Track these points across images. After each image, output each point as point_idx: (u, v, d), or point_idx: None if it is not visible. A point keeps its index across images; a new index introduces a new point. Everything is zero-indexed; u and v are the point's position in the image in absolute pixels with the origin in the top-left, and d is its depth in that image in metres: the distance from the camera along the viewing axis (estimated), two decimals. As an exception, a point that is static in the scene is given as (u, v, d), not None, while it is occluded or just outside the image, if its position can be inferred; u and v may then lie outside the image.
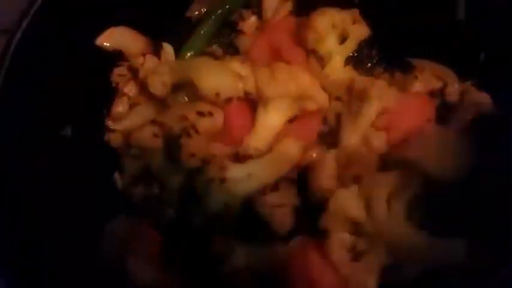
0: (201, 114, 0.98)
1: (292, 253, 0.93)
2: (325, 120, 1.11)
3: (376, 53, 1.27)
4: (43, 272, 0.88)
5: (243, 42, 1.25)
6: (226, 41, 1.28)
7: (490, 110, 1.13)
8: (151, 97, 1.11)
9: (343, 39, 1.18)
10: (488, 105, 1.13)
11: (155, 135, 0.97)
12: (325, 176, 0.98)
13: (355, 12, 1.18)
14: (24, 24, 0.88)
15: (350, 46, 1.17)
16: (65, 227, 0.95)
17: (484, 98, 1.14)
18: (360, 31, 1.17)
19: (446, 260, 0.86)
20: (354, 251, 0.88)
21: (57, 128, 1.02)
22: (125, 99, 1.10)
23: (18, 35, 0.88)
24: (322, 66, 1.15)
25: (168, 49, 1.19)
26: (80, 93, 1.05)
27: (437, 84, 1.18)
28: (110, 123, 1.10)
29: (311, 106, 1.05)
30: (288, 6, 1.25)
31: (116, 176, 1.07)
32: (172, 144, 0.95)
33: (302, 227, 1.01)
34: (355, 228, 0.90)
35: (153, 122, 1.00)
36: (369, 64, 1.26)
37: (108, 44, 1.09)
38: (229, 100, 1.04)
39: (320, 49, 1.15)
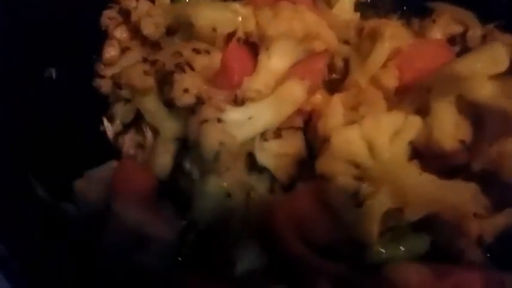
0: (196, 51, 0.90)
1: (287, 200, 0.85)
2: (332, 65, 1.03)
3: (390, -1, 1.19)
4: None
5: (246, -14, 1.16)
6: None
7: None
8: (144, 41, 1.04)
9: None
10: (514, 48, 1.04)
11: (146, 73, 0.89)
12: (332, 121, 0.89)
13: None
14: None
15: (360, -15, 1.08)
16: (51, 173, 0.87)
17: (509, 41, 1.04)
18: (370, -31, 1.07)
19: (452, 202, 0.78)
20: (357, 196, 0.79)
21: (40, 69, 0.94)
22: (115, 42, 1.02)
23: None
24: (330, 7, 1.06)
25: (163, -7, 1.11)
26: (66, 34, 0.97)
27: (458, 29, 1.09)
28: (101, 67, 1.02)
29: (318, 46, 0.95)
30: None
31: (106, 123, 1.00)
32: (164, 81, 0.86)
33: (306, 178, 0.92)
34: (358, 172, 0.82)
35: (145, 60, 0.92)
36: (384, 10, 1.17)
37: (97, -18, 1.01)
38: (228, 39, 0.95)
39: (328, -11, 1.07)
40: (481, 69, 0.80)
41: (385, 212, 0.81)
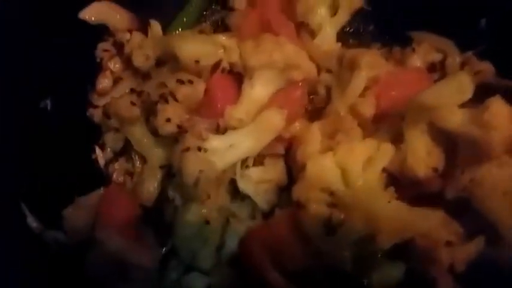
0: (180, 81, 0.95)
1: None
2: (315, 93, 1.07)
3: (373, 28, 1.23)
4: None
5: (233, 18, 1.22)
6: (216, 19, 1.25)
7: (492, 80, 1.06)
8: (135, 72, 1.09)
9: (334, 12, 1.14)
10: (491, 74, 1.07)
11: (132, 103, 0.94)
12: (309, 148, 0.92)
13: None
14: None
15: (342, 17, 1.13)
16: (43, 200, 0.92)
17: (486, 68, 1.07)
18: (351, 1, 1.12)
19: (421, 229, 0.81)
20: (330, 223, 0.82)
21: (37, 100, 1.00)
22: (109, 73, 1.08)
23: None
24: (313, 38, 1.11)
25: (155, 26, 1.17)
26: (62, 66, 1.03)
27: (437, 57, 1.13)
28: (94, 97, 1.08)
29: (297, 75, 1.00)
30: (279, -19, 1.21)
31: (97, 151, 1.05)
32: (150, 111, 0.92)
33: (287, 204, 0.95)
34: (331, 199, 0.84)
35: (132, 91, 0.98)
36: (365, 39, 1.21)
37: (91, 18, 1.08)
38: (212, 70, 1.00)
39: (310, 21, 1.12)
40: (448, 98, 0.83)
41: (359, 239, 0.83)
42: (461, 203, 0.88)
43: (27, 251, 0.85)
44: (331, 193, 0.85)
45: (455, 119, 0.86)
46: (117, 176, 1.02)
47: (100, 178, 1.03)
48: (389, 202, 0.82)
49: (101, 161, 1.05)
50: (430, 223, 0.81)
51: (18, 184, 0.90)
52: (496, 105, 0.82)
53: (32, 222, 0.87)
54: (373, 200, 0.83)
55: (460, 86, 0.83)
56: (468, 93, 0.83)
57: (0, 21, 0.91)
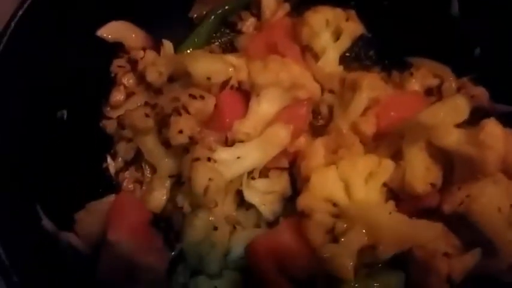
0: (192, 96, 1.00)
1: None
2: (318, 111, 1.13)
3: (373, 53, 1.30)
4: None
5: (241, 41, 1.29)
6: (225, 40, 1.32)
7: (487, 104, 1.12)
8: (148, 87, 1.15)
9: (337, 37, 1.21)
10: (485, 99, 1.13)
11: (147, 115, 0.99)
12: (313, 162, 0.97)
13: (350, 11, 1.22)
14: (26, 5, 0.93)
15: (344, 42, 1.20)
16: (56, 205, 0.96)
17: (481, 92, 1.13)
18: (353, 27, 1.19)
19: (419, 240, 0.84)
20: (333, 232, 0.85)
21: (54, 111, 1.05)
22: (122, 88, 1.14)
23: (19, 15, 0.93)
24: (316, 61, 1.17)
25: (167, 45, 1.24)
26: (78, 80, 1.08)
27: (434, 82, 1.19)
28: (107, 110, 1.13)
29: (303, 95, 1.06)
30: (286, 7, 1.29)
31: (109, 160, 1.09)
32: (163, 123, 0.96)
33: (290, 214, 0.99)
34: (334, 209, 0.88)
35: (146, 103, 1.03)
36: (366, 64, 1.28)
37: (108, 36, 1.14)
38: (222, 87, 1.06)
39: (314, 45, 1.18)
40: (444, 118, 0.89)
41: (361, 249, 0.86)
42: (458, 218, 0.92)
43: (41, 252, 0.88)
44: (335, 204, 0.89)
45: (452, 138, 0.91)
46: (127, 184, 1.06)
47: (110, 186, 1.07)
48: (390, 214, 0.86)
49: (112, 170, 1.09)
50: (429, 235, 0.84)
51: (34, 188, 0.93)
52: (491, 125, 0.88)
53: (47, 224, 0.90)
54: (375, 212, 0.86)
55: (456, 106, 0.89)
56: (464, 114, 0.89)
57: (22, 37, 0.96)
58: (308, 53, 1.19)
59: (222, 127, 1.03)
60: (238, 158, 0.97)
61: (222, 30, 1.33)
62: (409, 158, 0.95)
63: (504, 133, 0.89)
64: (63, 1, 1.03)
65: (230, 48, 1.30)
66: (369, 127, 1.01)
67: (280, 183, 1.04)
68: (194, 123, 0.97)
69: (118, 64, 1.17)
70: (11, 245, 0.82)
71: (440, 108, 0.90)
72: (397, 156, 0.99)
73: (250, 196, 1.00)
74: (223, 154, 0.96)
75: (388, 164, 0.93)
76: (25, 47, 0.98)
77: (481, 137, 0.87)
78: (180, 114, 0.95)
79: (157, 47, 1.23)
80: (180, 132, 0.94)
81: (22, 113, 0.97)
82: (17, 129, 0.94)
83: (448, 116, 0.88)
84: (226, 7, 1.29)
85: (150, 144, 1.03)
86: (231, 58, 1.11)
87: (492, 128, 0.88)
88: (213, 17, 1.28)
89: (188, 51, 1.24)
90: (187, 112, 0.97)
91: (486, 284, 0.88)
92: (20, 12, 0.95)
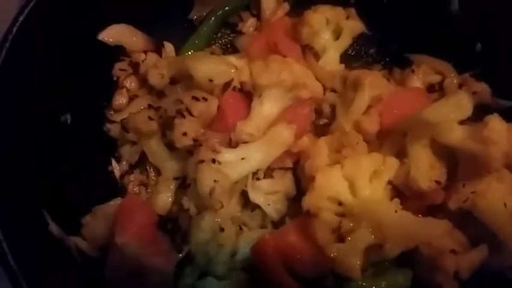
0: (195, 98, 1.00)
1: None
2: (320, 110, 1.13)
3: (374, 51, 1.30)
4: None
5: (242, 41, 1.29)
6: (226, 41, 1.32)
7: (489, 100, 1.12)
8: (150, 90, 1.15)
9: (338, 36, 1.21)
10: (488, 95, 1.13)
11: (150, 118, 0.99)
12: (317, 161, 0.97)
13: (350, 9, 1.22)
14: (27, 10, 0.94)
15: (344, 40, 1.20)
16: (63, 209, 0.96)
17: (483, 89, 1.13)
18: (353, 26, 1.19)
19: (426, 238, 0.85)
20: (339, 231, 0.86)
21: (58, 115, 1.05)
22: (124, 91, 1.14)
23: (21, 19, 0.93)
24: (317, 60, 1.17)
25: (169, 47, 1.24)
26: (81, 84, 1.08)
27: (436, 78, 1.19)
28: (110, 114, 1.14)
29: (304, 94, 1.06)
30: (286, 8, 1.29)
31: (114, 163, 1.09)
32: (167, 125, 0.97)
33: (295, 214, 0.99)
34: (340, 209, 0.88)
35: (149, 106, 1.03)
36: (367, 61, 1.28)
37: (109, 39, 1.14)
38: (224, 88, 1.06)
39: (315, 44, 1.18)
40: (448, 116, 0.89)
41: (368, 248, 0.86)
42: (464, 214, 0.92)
43: (48, 256, 0.88)
44: (340, 203, 0.89)
45: (456, 134, 0.91)
46: (132, 187, 1.06)
47: (116, 189, 1.07)
48: (395, 212, 0.86)
49: (117, 173, 1.09)
50: (435, 232, 0.85)
51: (40, 193, 0.93)
52: (495, 121, 0.88)
53: (54, 229, 0.90)
54: (380, 210, 0.86)
55: (459, 103, 0.89)
56: (467, 111, 0.89)
57: (24, 42, 0.96)
58: (309, 52, 1.19)
59: (225, 128, 1.03)
60: (242, 159, 0.97)
61: (223, 31, 1.33)
62: (413, 156, 0.95)
63: (508, 129, 0.90)
64: (64, 5, 1.03)
65: (231, 49, 1.30)
66: (371, 125, 1.01)
67: (284, 183, 1.04)
68: (198, 125, 0.97)
69: (120, 67, 1.17)
70: (18, 250, 0.82)
71: (443, 106, 0.90)
72: (401, 153, 0.99)
73: (255, 197, 1.00)
74: (228, 155, 0.97)
75: (393, 162, 0.94)
76: (26, 53, 0.98)
77: (485, 133, 0.87)
78: (183, 116, 0.96)
79: (158, 50, 1.23)
80: (184, 134, 0.94)
81: (25, 117, 0.96)
82: (20, 133, 0.94)
83: (451, 113, 0.89)
84: (226, 8, 1.29)
85: (154, 146, 1.03)
86: (232, 59, 1.11)
87: (496, 123, 0.88)
88: (213, 18, 1.28)
89: (189, 53, 1.24)
90: (191, 114, 0.97)
91: (492, 281, 0.88)
92: (21, 18, 0.95)
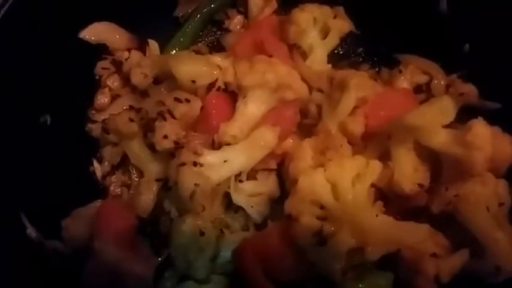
0: (178, 100, 0.98)
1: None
2: (306, 110, 1.12)
3: (362, 50, 1.28)
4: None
5: (228, 40, 1.27)
6: (212, 39, 1.30)
7: (476, 102, 1.11)
8: (133, 89, 1.13)
9: (325, 35, 1.19)
10: (475, 96, 1.12)
11: (131, 120, 0.98)
12: (301, 164, 0.96)
13: (338, 8, 1.20)
14: (5, 8, 0.91)
15: (332, 39, 1.18)
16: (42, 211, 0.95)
17: (470, 90, 1.12)
18: (341, 25, 1.18)
19: (407, 242, 0.84)
20: (321, 235, 0.85)
21: (37, 116, 1.03)
22: (107, 90, 1.12)
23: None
24: (304, 59, 1.16)
25: (153, 45, 1.22)
26: (62, 83, 1.06)
27: (423, 79, 1.18)
28: (92, 113, 1.12)
29: (289, 95, 1.04)
30: (273, 5, 1.27)
31: (95, 164, 1.08)
32: (148, 127, 0.95)
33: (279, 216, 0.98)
34: (322, 212, 0.88)
35: (131, 107, 1.02)
36: (355, 61, 1.27)
37: (91, 38, 1.12)
38: (208, 89, 1.05)
39: (302, 43, 1.16)
40: (431, 120, 0.88)
41: (349, 251, 0.86)
42: (447, 217, 0.92)
43: (26, 261, 0.87)
44: (322, 207, 0.88)
45: (439, 138, 0.90)
46: (114, 188, 1.05)
47: (97, 190, 1.06)
48: (377, 216, 0.85)
49: (99, 174, 1.08)
50: (416, 236, 0.84)
51: (18, 196, 0.92)
52: (479, 126, 0.87)
53: (32, 232, 0.89)
54: (362, 214, 0.86)
55: (442, 108, 0.88)
56: (450, 116, 0.88)
57: (2, 39, 0.94)
58: (296, 51, 1.17)
59: (208, 129, 1.02)
60: (225, 161, 0.96)
61: (209, 28, 1.31)
62: (397, 159, 0.94)
63: (492, 133, 0.89)
64: (44, 3, 1.00)
65: (217, 46, 1.29)
66: (357, 127, 1.00)
67: (267, 184, 1.03)
68: (179, 127, 0.96)
69: (102, 66, 1.15)
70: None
71: (427, 110, 0.89)
72: (385, 156, 0.98)
73: (238, 198, 0.99)
74: (210, 158, 0.95)
75: (376, 165, 0.93)
76: (5, 51, 0.96)
77: (468, 138, 0.86)
78: (165, 119, 0.94)
79: (142, 47, 1.21)
80: (165, 137, 0.93)
81: (3, 118, 0.95)
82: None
83: (434, 118, 0.88)
84: (212, 5, 1.28)
85: (136, 148, 1.02)
86: (216, 59, 1.09)
87: (479, 128, 0.87)
88: (198, 15, 1.26)
89: (174, 51, 1.22)
90: (173, 116, 0.96)
91: (473, 285, 0.88)
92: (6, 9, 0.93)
